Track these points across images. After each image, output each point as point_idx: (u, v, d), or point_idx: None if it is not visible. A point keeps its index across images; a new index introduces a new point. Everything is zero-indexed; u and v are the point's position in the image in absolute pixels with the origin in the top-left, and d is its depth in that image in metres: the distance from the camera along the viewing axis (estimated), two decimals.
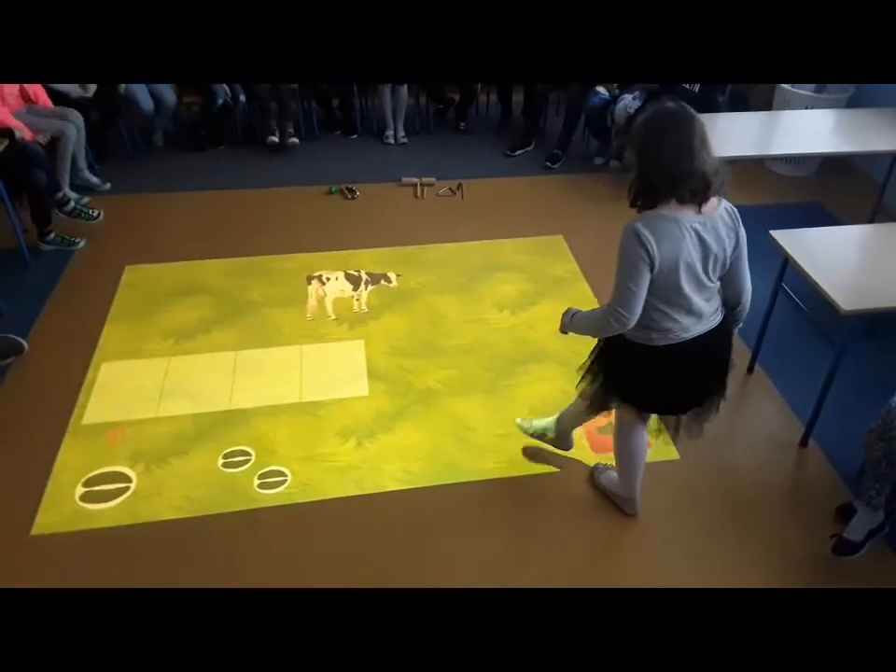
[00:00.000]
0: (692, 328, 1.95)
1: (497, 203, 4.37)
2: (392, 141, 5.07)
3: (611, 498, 2.51)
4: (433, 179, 4.53)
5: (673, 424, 2.20)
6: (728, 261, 1.92)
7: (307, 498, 2.52)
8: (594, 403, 2.26)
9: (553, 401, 2.91)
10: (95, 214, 4.00)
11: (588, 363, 2.24)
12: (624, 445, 2.34)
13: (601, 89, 4.58)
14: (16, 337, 3.09)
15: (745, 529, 2.44)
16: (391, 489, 2.56)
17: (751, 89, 4.90)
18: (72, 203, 3.93)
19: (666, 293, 1.88)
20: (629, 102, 4.44)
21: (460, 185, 4.50)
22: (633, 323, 1.90)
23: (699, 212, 1.82)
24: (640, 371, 2.05)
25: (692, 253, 1.83)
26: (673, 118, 1.78)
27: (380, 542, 2.38)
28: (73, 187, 4.16)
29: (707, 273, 1.88)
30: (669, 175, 1.77)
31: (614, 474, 2.51)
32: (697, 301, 1.91)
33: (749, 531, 2.43)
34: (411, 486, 2.57)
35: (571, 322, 2.12)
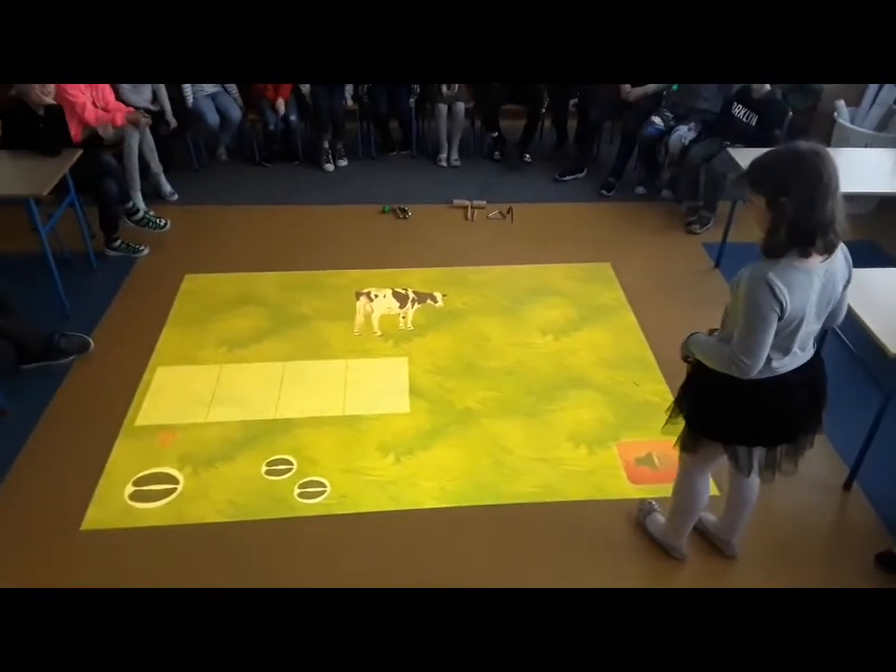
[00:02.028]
0: (781, 368, 1.90)
1: (547, 227, 4.41)
2: (445, 164, 5.17)
3: (655, 541, 2.46)
4: (484, 202, 4.60)
5: (763, 460, 2.09)
6: (837, 303, 1.88)
7: (344, 510, 2.58)
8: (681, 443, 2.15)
9: (592, 429, 2.92)
10: (162, 223, 4.18)
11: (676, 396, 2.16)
12: (688, 487, 2.26)
13: (656, 119, 4.58)
14: (83, 335, 3.26)
15: (780, 569, 2.40)
16: (427, 506, 2.60)
17: (810, 124, 4.84)
18: (140, 213, 4.12)
19: (777, 338, 1.82)
20: (684, 133, 4.44)
21: (510, 209, 4.55)
22: (755, 373, 1.84)
23: (826, 259, 1.76)
24: (718, 401, 1.99)
25: (812, 302, 1.78)
26: (827, 164, 1.66)
27: (413, 558, 2.42)
28: (145, 192, 4.33)
29: (818, 317, 1.84)
30: (824, 227, 1.68)
31: (661, 518, 2.47)
32: (798, 343, 1.87)
33: (785, 571, 2.39)
34: (446, 505, 2.61)
35: (689, 340, 2.04)
